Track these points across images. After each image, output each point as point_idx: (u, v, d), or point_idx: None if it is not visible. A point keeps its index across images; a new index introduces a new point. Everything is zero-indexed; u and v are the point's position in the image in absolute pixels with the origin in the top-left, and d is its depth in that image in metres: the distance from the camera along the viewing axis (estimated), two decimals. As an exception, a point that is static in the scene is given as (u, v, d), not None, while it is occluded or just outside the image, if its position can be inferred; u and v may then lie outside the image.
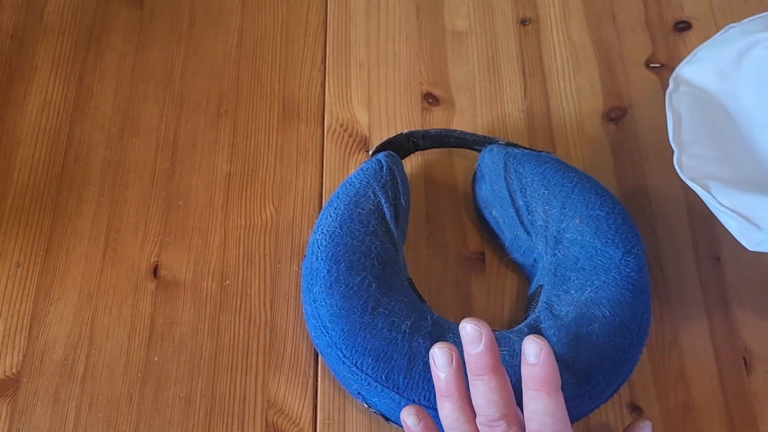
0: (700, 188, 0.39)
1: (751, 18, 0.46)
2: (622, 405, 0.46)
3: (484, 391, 0.37)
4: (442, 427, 0.39)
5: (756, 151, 0.42)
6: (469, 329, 0.37)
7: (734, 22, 0.59)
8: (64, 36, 0.58)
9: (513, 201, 0.47)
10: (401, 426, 0.43)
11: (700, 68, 0.45)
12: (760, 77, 0.43)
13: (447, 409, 0.38)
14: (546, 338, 0.40)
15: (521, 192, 0.46)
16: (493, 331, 0.38)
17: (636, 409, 0.46)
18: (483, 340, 0.36)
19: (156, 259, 0.50)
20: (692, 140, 0.41)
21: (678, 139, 0.41)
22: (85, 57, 0.58)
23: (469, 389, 0.38)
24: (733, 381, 0.47)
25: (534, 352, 0.36)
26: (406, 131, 0.51)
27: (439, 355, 0.38)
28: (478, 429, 0.38)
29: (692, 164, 0.41)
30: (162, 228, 0.51)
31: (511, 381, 0.38)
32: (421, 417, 0.39)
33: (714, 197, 0.39)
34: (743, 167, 0.41)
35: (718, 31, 0.58)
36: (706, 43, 0.46)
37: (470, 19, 0.60)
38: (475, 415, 0.38)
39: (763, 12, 0.59)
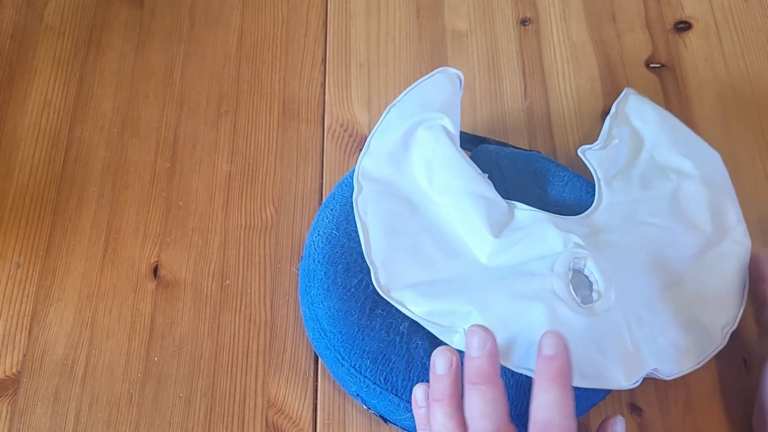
0: (395, 303, 0.42)
1: (404, 94, 0.47)
2: (622, 405, 0.46)
3: (477, 402, 0.36)
4: None
5: (441, 233, 0.44)
6: (475, 334, 0.37)
7: (734, 22, 0.59)
8: (64, 36, 0.58)
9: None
10: (400, 427, 0.43)
11: (376, 159, 0.46)
12: (425, 158, 0.45)
13: (437, 414, 0.37)
14: None
15: (512, 191, 0.47)
16: None
17: (636, 409, 0.46)
18: (487, 347, 0.36)
19: (156, 259, 0.50)
20: (385, 253, 0.43)
21: (370, 257, 0.43)
22: (85, 57, 0.58)
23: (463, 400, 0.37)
24: (733, 381, 0.47)
25: (552, 343, 0.36)
26: None
27: (439, 358, 0.37)
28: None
29: (390, 276, 0.42)
30: (162, 228, 0.51)
31: None
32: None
33: (409, 310, 0.41)
34: (435, 263, 0.43)
35: (718, 30, 0.59)
36: (374, 130, 0.47)
37: (470, 19, 0.60)
38: (465, 425, 0.36)
39: (761, 13, 0.59)
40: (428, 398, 0.38)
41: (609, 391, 0.44)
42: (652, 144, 0.49)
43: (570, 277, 0.41)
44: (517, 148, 0.51)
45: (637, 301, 0.42)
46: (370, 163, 0.46)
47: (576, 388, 0.41)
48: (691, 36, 0.59)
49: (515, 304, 0.40)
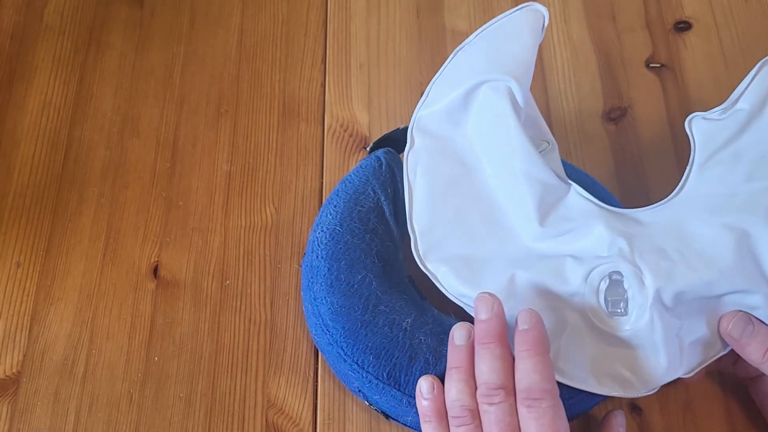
0: (430, 275, 0.42)
1: (476, 34, 0.44)
2: (622, 405, 0.46)
3: (487, 358, 0.38)
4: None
5: (489, 207, 0.43)
6: (483, 297, 0.40)
7: (734, 22, 0.59)
8: (64, 36, 0.58)
9: None
10: (402, 423, 0.43)
11: (435, 111, 0.44)
12: (484, 123, 0.43)
13: (454, 379, 0.39)
14: None
15: None
16: None
17: (636, 409, 0.46)
18: (494, 309, 0.39)
19: (156, 259, 0.50)
20: (428, 221, 0.42)
21: (411, 223, 0.42)
22: (85, 57, 0.58)
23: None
24: (733, 381, 0.46)
25: (526, 318, 0.39)
26: (402, 126, 0.51)
27: (458, 331, 0.40)
28: (478, 403, 0.38)
29: (430, 246, 0.42)
30: (162, 228, 0.51)
31: None
32: (436, 385, 0.40)
33: (443, 287, 0.41)
34: (477, 237, 0.42)
35: (718, 30, 0.59)
36: (438, 74, 0.44)
37: (470, 19, 0.60)
38: (476, 390, 0.39)
39: (761, 13, 0.59)
40: (433, 390, 0.40)
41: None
42: None
43: (605, 287, 0.40)
44: None
45: (683, 310, 0.40)
46: (428, 114, 0.44)
47: (575, 390, 0.41)
48: (691, 36, 0.59)
49: (540, 308, 0.40)
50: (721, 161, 0.41)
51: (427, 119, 0.44)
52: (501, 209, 0.43)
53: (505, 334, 0.39)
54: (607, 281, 0.40)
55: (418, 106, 0.44)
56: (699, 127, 0.42)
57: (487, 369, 0.38)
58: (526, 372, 0.38)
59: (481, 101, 0.43)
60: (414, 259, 0.42)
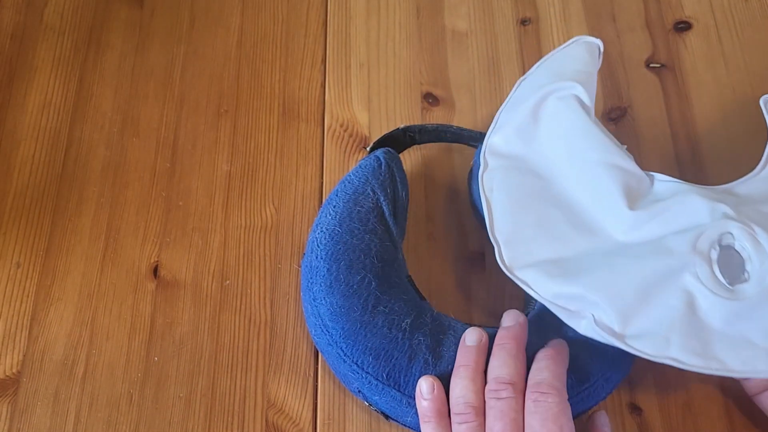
0: (520, 282, 0.40)
1: (537, 66, 0.45)
2: (622, 405, 0.46)
3: (502, 355, 0.40)
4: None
5: (572, 209, 0.41)
6: (511, 311, 0.42)
7: (734, 22, 0.59)
8: (64, 36, 0.58)
9: None
10: (401, 423, 0.43)
11: (505, 134, 0.44)
12: (556, 130, 0.43)
13: (460, 376, 0.40)
14: None
15: None
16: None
17: (636, 409, 0.46)
18: (519, 320, 0.42)
19: (156, 259, 0.50)
20: (510, 229, 0.41)
21: (493, 234, 0.41)
22: (85, 57, 0.58)
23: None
24: (733, 381, 0.46)
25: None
26: (402, 126, 0.51)
27: (470, 334, 0.41)
28: (484, 399, 0.39)
29: (516, 254, 0.40)
30: (162, 228, 0.51)
31: None
32: (436, 385, 0.41)
33: (535, 291, 0.39)
34: (564, 239, 0.40)
35: (718, 30, 0.59)
36: (504, 105, 0.45)
37: (470, 19, 0.60)
38: (484, 388, 0.39)
39: (761, 13, 0.59)
40: (433, 390, 0.40)
41: (609, 392, 0.44)
42: None
43: (716, 255, 0.37)
44: None
45: None
46: (498, 138, 0.44)
47: (574, 390, 0.41)
48: (691, 36, 0.59)
49: (649, 291, 0.37)
50: None
51: (499, 142, 0.44)
52: (586, 210, 0.41)
53: (524, 340, 0.40)
54: (718, 249, 0.37)
55: (488, 133, 0.45)
56: None
57: (499, 364, 0.39)
58: (539, 369, 0.39)
59: (549, 111, 0.43)
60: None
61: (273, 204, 0.52)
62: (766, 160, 0.42)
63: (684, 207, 0.39)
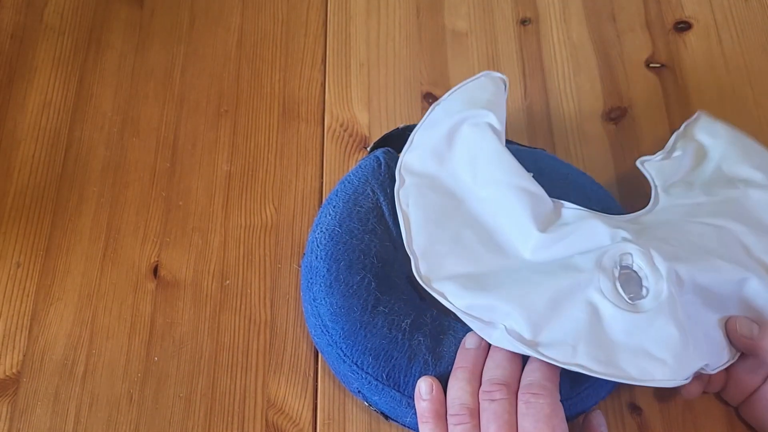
0: (436, 294, 0.42)
1: (449, 93, 0.47)
2: (622, 405, 0.46)
3: (497, 357, 0.40)
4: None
5: (485, 228, 0.44)
6: None
7: (734, 22, 0.59)
8: (64, 36, 0.58)
9: None
10: (401, 424, 0.43)
11: (420, 154, 0.46)
12: (470, 154, 0.45)
13: (457, 378, 0.40)
14: None
15: None
16: None
17: (636, 409, 0.46)
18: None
19: (156, 259, 0.50)
20: (426, 243, 0.43)
21: (411, 247, 0.43)
22: (85, 57, 0.58)
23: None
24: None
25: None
26: (402, 125, 0.51)
27: (470, 338, 0.42)
28: (478, 400, 0.39)
29: (431, 267, 0.42)
30: (162, 228, 0.51)
31: None
32: (435, 386, 0.41)
33: (450, 302, 0.41)
34: (477, 257, 0.43)
35: (718, 30, 0.59)
36: (419, 125, 0.47)
37: (470, 19, 0.60)
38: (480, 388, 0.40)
39: (761, 13, 0.59)
40: (432, 391, 0.40)
41: (609, 391, 0.44)
42: (720, 156, 0.48)
43: (618, 273, 0.40)
44: (522, 145, 0.51)
45: (690, 295, 0.41)
46: (413, 157, 0.46)
47: (575, 391, 0.41)
48: (691, 36, 0.59)
49: (558, 303, 0.40)
50: (678, 185, 0.47)
51: (414, 161, 0.46)
52: (498, 230, 0.44)
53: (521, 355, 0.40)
54: (619, 267, 0.40)
55: (403, 151, 0.46)
56: (650, 166, 0.49)
57: (494, 365, 0.40)
58: (531, 371, 0.39)
59: (463, 137, 0.45)
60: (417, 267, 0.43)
61: (273, 204, 0.52)
62: (653, 204, 0.47)
63: (588, 231, 0.42)
